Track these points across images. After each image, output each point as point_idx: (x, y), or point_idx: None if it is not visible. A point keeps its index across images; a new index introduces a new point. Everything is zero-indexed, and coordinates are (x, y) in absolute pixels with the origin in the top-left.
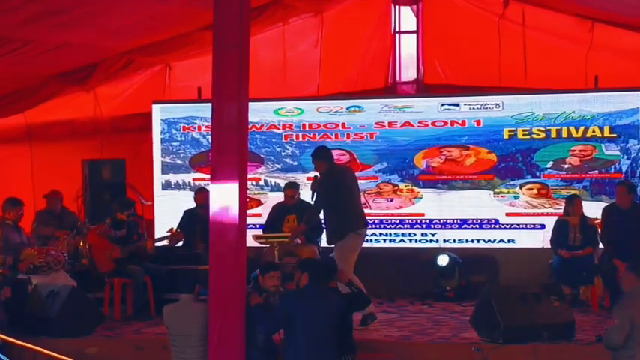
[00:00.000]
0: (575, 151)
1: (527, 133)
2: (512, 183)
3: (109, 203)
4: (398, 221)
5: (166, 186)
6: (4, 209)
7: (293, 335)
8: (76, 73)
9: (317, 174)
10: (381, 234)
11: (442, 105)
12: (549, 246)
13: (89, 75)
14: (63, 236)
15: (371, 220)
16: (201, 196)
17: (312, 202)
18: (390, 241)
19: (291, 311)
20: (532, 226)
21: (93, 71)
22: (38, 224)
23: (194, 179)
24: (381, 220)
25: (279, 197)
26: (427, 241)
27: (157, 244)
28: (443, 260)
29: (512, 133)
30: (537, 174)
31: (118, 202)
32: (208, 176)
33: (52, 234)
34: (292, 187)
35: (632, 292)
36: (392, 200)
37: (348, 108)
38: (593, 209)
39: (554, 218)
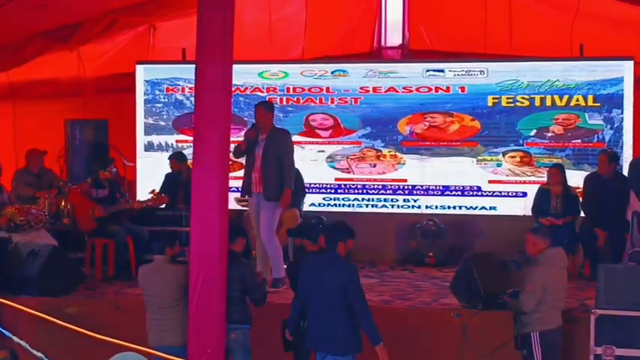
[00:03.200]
0: (558, 119)
1: (511, 100)
2: (495, 150)
3: (90, 163)
4: (380, 186)
5: (149, 147)
6: None
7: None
8: (60, 32)
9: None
10: (363, 199)
11: (427, 71)
12: (531, 214)
13: (73, 34)
14: (44, 196)
15: (353, 185)
16: (173, 162)
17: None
18: (372, 206)
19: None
20: (514, 193)
21: (77, 30)
22: (17, 183)
23: (177, 141)
24: (364, 185)
25: None
26: (409, 207)
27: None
28: (425, 226)
29: (497, 101)
30: (520, 142)
31: (99, 161)
32: (191, 138)
33: (32, 195)
34: None
35: (541, 257)
36: (375, 165)
37: (332, 72)
38: (575, 178)
39: (537, 186)
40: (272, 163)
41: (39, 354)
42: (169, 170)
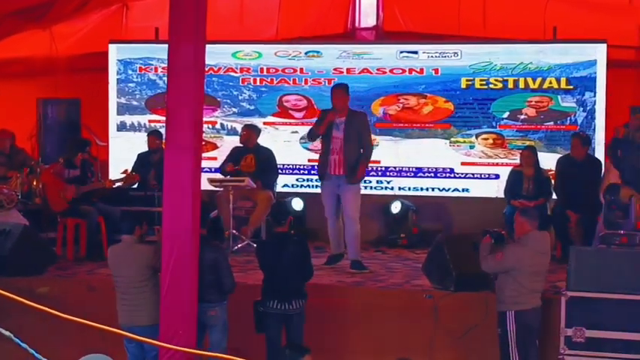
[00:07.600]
0: (531, 101)
1: (484, 82)
2: (468, 132)
3: (62, 142)
4: None
5: (121, 127)
6: None
7: None
8: (33, 11)
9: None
10: None
11: (401, 52)
12: (503, 196)
13: (46, 13)
14: (15, 175)
15: None
16: (152, 139)
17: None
18: None
19: None
20: (487, 175)
21: (50, 9)
22: None
23: (149, 121)
24: None
25: (234, 141)
26: (382, 188)
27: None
28: (395, 207)
29: (470, 83)
30: (493, 124)
31: (72, 142)
32: (164, 118)
33: (3, 175)
34: (248, 128)
35: (523, 239)
36: None
37: (306, 53)
38: (548, 160)
39: (509, 168)
40: (354, 145)
41: (7, 333)
42: (142, 150)
